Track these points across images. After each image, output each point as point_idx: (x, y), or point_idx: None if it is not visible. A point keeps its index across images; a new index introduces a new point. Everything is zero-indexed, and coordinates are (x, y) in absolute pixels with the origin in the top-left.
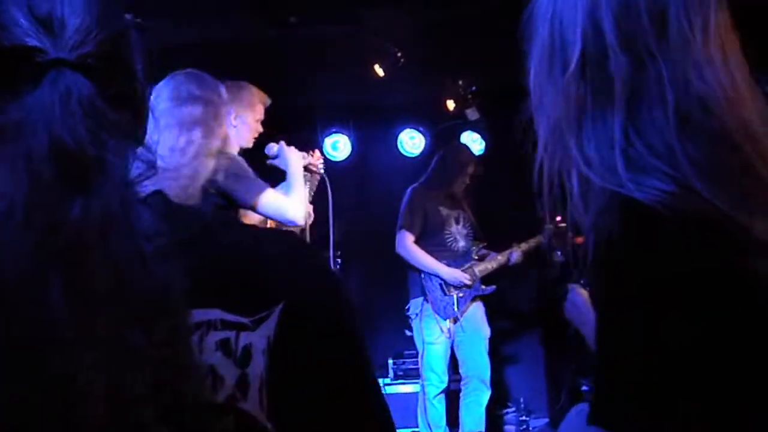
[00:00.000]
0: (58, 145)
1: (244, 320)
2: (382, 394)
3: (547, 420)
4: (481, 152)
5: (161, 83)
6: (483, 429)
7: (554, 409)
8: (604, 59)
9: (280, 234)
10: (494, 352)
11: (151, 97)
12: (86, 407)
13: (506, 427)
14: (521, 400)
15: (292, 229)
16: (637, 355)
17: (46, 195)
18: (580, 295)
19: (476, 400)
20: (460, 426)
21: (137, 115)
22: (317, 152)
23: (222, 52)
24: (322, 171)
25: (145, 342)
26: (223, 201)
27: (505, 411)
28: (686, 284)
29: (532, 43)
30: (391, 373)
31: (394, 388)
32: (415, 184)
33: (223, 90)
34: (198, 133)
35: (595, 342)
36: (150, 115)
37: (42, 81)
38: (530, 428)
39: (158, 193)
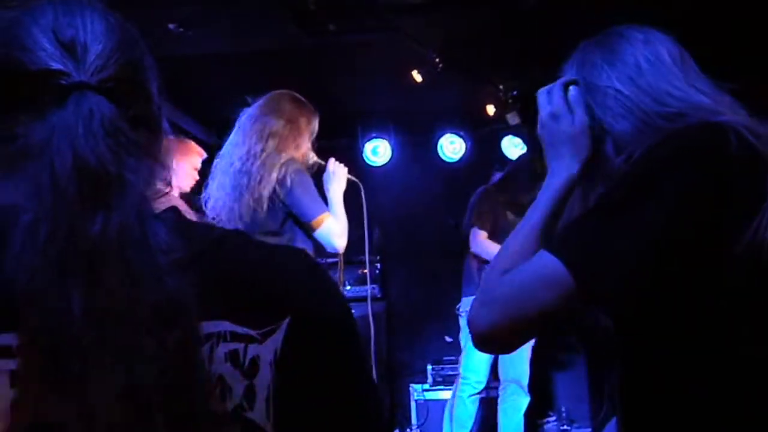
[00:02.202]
0: (82, 163)
1: (252, 333)
2: (381, 406)
3: (589, 430)
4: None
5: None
6: None
7: (596, 419)
8: None
9: (290, 250)
10: (536, 359)
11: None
12: (103, 410)
13: None
14: (563, 409)
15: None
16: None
17: (69, 210)
18: None
19: (514, 405)
20: (499, 430)
21: (154, 134)
22: (332, 161)
23: (262, 62)
24: (353, 178)
25: (157, 351)
26: (286, 212)
27: (546, 420)
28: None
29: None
30: (430, 379)
31: (433, 394)
32: (486, 185)
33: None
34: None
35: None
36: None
37: (66, 103)
38: None
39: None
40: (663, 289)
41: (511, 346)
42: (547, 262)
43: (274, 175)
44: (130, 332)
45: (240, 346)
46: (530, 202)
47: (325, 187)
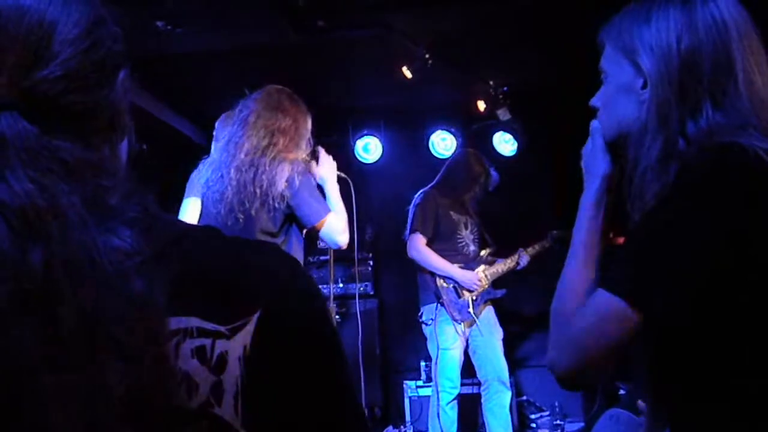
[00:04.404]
0: (3, 202)
1: (221, 328)
2: (358, 402)
3: (582, 425)
4: (513, 152)
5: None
6: (511, 431)
7: (589, 413)
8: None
9: (261, 244)
10: (528, 356)
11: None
12: (58, 416)
13: (539, 431)
14: (556, 404)
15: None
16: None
17: (3, 250)
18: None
19: (499, 402)
20: (488, 431)
21: (103, 132)
22: (322, 150)
23: (252, 59)
24: (343, 174)
25: (121, 353)
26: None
27: (539, 415)
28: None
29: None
30: (423, 376)
31: (426, 391)
32: (426, 188)
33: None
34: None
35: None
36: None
37: None
38: None
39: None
40: (714, 299)
41: (595, 381)
42: (606, 301)
43: (285, 174)
44: (87, 351)
45: (207, 341)
46: (471, 199)
47: (317, 178)
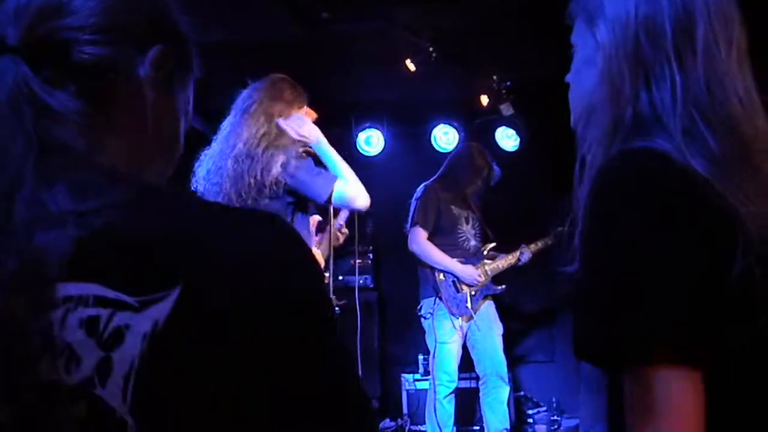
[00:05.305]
0: None
1: (128, 299)
2: (318, 412)
3: (578, 420)
4: (516, 148)
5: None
6: (509, 426)
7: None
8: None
9: (243, 215)
10: (526, 352)
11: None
12: None
13: (537, 426)
14: (553, 399)
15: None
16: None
17: None
18: None
19: (497, 397)
20: (486, 426)
21: (99, 94)
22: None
23: (255, 51)
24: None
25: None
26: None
27: (537, 410)
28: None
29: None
30: (421, 369)
31: (424, 384)
32: (428, 182)
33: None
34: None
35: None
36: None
37: None
38: (562, 428)
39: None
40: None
41: None
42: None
43: (281, 159)
44: None
45: (104, 312)
46: (473, 194)
47: (309, 144)
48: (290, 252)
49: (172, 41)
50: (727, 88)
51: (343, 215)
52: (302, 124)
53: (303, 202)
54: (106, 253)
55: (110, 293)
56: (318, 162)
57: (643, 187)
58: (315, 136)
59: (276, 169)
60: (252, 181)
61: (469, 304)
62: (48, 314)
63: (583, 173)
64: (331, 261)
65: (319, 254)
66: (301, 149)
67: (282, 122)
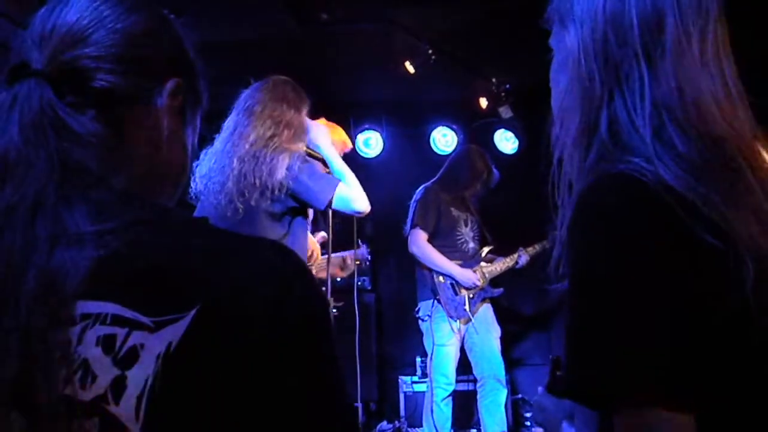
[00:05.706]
0: None
1: (144, 319)
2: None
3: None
4: (515, 151)
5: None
6: (506, 429)
7: None
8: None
9: (247, 242)
10: (524, 355)
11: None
12: None
13: (534, 429)
14: None
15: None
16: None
17: None
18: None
19: (495, 400)
20: (483, 428)
21: (117, 118)
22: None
23: (254, 51)
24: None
25: (14, 329)
26: (293, 202)
27: None
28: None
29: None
30: (418, 371)
31: (421, 386)
32: (428, 183)
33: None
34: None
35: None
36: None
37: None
38: None
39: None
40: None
41: None
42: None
43: (286, 162)
44: None
45: (121, 331)
46: (472, 196)
47: (312, 145)
48: (296, 279)
49: (187, 75)
50: (699, 86)
51: (364, 250)
52: (323, 134)
53: (304, 206)
54: (123, 273)
55: (128, 313)
56: (324, 166)
57: (621, 226)
58: (320, 141)
59: (281, 173)
60: (257, 181)
61: (467, 307)
62: (66, 330)
63: (560, 175)
64: (330, 261)
65: (314, 242)
66: (306, 152)
67: (312, 144)
